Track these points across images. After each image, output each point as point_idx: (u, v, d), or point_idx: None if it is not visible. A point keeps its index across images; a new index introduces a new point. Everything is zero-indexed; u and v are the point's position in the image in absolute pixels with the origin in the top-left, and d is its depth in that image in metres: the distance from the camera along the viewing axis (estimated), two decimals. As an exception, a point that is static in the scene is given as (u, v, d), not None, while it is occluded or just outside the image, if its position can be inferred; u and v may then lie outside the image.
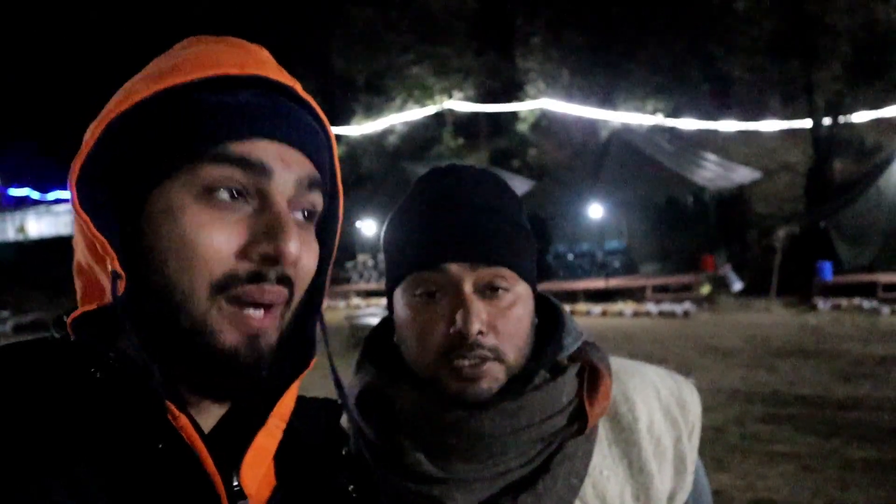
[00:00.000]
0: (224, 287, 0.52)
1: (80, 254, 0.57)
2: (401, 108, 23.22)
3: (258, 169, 0.53)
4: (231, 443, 0.56)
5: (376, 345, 0.91)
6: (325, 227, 0.64)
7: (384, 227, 0.90)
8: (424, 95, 22.95)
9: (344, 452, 0.67)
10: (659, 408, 0.89)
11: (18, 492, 0.46)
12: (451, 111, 22.84)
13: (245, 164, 0.53)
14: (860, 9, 16.22)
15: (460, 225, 0.80)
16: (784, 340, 8.85)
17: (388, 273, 0.87)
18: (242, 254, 0.53)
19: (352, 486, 0.65)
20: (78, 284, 0.58)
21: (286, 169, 0.55)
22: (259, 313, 0.54)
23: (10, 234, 29.60)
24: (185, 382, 0.55)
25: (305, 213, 0.58)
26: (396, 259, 0.84)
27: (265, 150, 0.54)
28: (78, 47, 28.21)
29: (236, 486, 0.55)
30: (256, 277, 0.53)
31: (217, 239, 0.52)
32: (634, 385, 0.89)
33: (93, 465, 0.49)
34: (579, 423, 0.82)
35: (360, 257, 17.64)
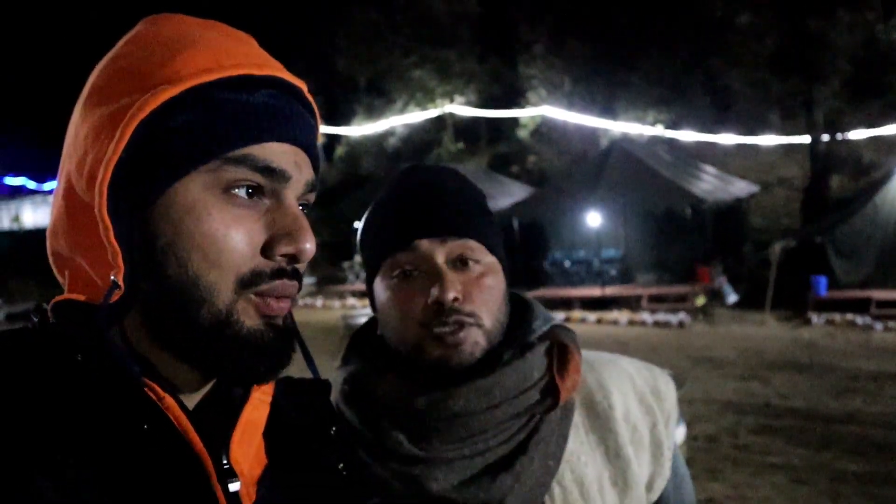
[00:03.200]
0: (250, 283, 0.54)
1: (61, 244, 0.56)
2: (402, 111, 23.22)
3: (278, 174, 0.55)
4: (219, 422, 0.57)
5: (361, 341, 0.95)
6: None
7: (359, 232, 0.94)
8: (426, 98, 22.96)
9: (333, 431, 0.67)
10: (634, 396, 0.92)
11: (2, 482, 0.45)
12: (451, 115, 22.86)
13: (268, 170, 0.55)
14: (861, 28, 16.32)
15: (427, 205, 0.85)
16: (777, 353, 8.87)
17: (367, 267, 0.91)
18: (266, 252, 0.55)
19: (342, 465, 0.66)
20: (63, 273, 0.57)
21: (299, 172, 0.57)
22: (279, 304, 0.57)
23: (5, 224, 29.48)
24: (175, 368, 0.55)
25: (302, 209, 0.61)
26: (372, 251, 0.89)
27: (283, 154, 0.56)
28: (73, 37, 28.15)
29: (226, 464, 0.55)
30: (278, 274, 0.56)
31: (242, 237, 0.54)
32: (609, 374, 0.93)
33: (78, 451, 0.48)
34: (552, 397, 0.85)
35: (357, 257, 17.61)
